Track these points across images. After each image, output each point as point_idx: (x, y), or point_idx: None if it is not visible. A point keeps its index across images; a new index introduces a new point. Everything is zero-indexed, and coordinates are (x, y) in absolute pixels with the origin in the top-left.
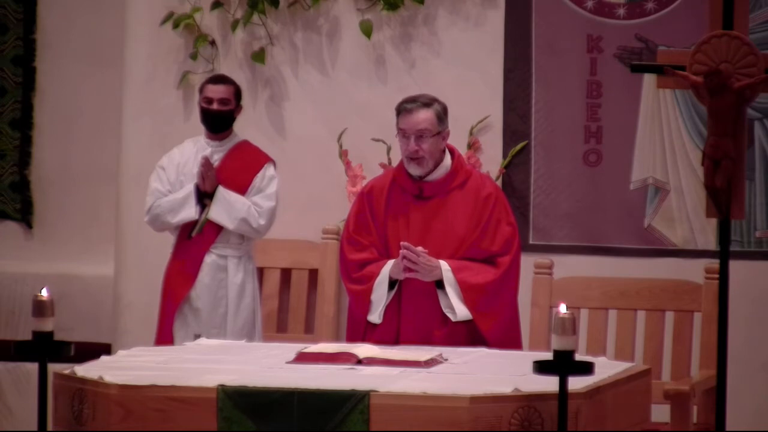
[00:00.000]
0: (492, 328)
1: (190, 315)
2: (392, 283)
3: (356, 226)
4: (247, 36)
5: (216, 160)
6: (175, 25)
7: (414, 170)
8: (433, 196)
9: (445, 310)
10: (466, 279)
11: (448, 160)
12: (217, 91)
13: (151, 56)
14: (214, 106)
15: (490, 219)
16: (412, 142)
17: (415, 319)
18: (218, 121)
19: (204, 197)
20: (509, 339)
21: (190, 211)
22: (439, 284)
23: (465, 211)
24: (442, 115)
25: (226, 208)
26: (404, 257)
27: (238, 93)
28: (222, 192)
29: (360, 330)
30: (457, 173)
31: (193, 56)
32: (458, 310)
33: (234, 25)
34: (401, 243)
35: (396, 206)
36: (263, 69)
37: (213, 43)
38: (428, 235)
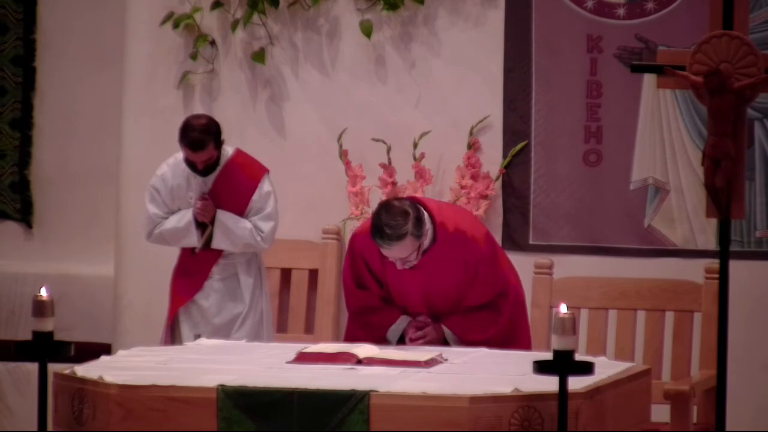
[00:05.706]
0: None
1: (199, 317)
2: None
3: (354, 281)
4: (247, 36)
5: (209, 180)
6: (175, 25)
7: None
8: (424, 265)
9: None
10: (473, 339)
11: (429, 231)
12: (197, 156)
13: (151, 56)
14: (200, 167)
15: (483, 277)
16: (399, 263)
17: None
18: (207, 171)
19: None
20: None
21: (192, 239)
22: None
23: (457, 275)
24: (417, 229)
25: (228, 235)
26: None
27: (216, 138)
28: (221, 220)
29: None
30: (443, 242)
31: (193, 56)
32: None
33: (234, 25)
34: (410, 337)
35: (391, 266)
36: (263, 69)
37: (213, 43)
38: (427, 295)
